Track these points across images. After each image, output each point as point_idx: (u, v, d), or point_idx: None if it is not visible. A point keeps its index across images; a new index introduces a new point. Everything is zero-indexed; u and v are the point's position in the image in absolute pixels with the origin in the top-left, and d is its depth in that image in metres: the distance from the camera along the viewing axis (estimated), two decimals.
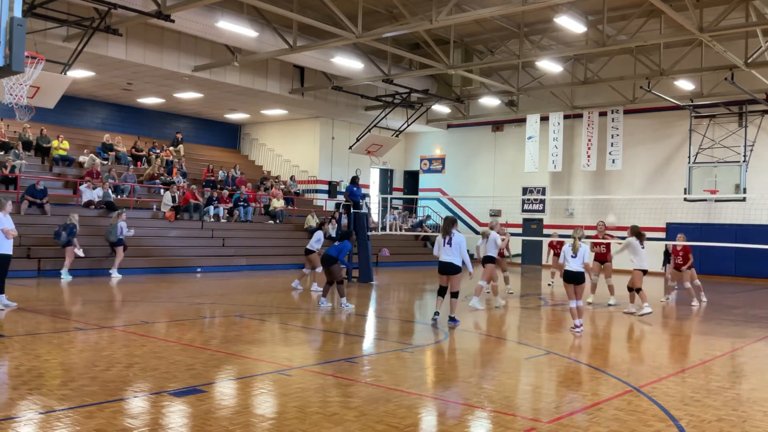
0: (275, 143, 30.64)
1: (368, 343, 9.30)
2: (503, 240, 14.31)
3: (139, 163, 24.43)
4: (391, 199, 30.68)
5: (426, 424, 5.45)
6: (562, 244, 13.53)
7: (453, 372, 7.49)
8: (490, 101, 27.22)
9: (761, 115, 23.24)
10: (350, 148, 25.37)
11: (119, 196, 20.96)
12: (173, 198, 21.32)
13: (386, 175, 32.58)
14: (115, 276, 16.55)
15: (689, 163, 23.28)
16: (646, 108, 25.15)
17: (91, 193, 19.59)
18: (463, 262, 10.47)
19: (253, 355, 7.77)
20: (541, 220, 28.21)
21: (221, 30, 17.95)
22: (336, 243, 12.50)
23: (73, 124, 25.51)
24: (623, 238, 13.91)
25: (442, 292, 10.75)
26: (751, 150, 22.80)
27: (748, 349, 9.33)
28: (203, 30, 17.88)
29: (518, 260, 27.99)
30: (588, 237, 14.13)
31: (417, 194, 31.87)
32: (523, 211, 28.63)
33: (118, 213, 16.86)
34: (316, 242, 14.79)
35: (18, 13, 4.55)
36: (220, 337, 8.86)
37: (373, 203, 28.98)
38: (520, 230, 28.21)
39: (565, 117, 26.57)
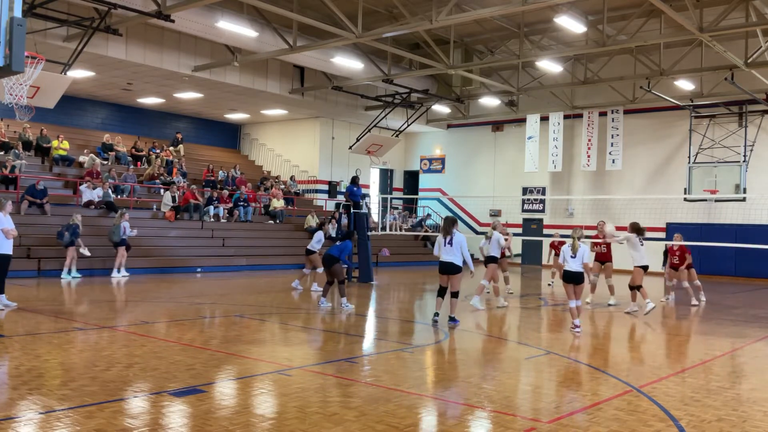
0: (275, 143, 30.64)
1: (368, 343, 9.30)
2: (506, 239, 14.31)
3: (139, 163, 24.43)
4: (391, 199, 30.68)
5: (426, 424, 5.45)
6: (563, 244, 13.56)
7: (453, 372, 7.48)
8: (490, 101, 27.22)
9: (761, 115, 23.24)
10: (350, 148, 25.37)
11: (119, 196, 20.97)
12: (173, 198, 21.32)
13: (386, 175, 32.59)
14: (124, 275, 16.69)
15: (689, 163, 23.28)
16: (646, 108, 25.16)
17: (91, 193, 19.60)
18: (465, 262, 10.49)
19: (253, 355, 7.77)
20: (541, 220, 28.21)
21: (221, 30, 17.95)
22: (337, 243, 12.50)
23: (73, 124, 25.51)
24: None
25: (441, 292, 10.75)
26: (751, 150, 22.80)
27: (748, 349, 9.33)
28: (203, 30, 17.88)
29: (518, 260, 27.98)
30: (588, 237, 14.18)
31: (417, 194, 31.87)
32: (523, 211, 28.63)
33: (121, 213, 16.89)
34: (317, 243, 14.79)
35: (18, 13, 4.55)
36: (220, 337, 8.86)
37: (373, 203, 28.99)
38: (520, 230, 28.21)
39: (565, 117, 26.57)
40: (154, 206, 21.57)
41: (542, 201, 27.81)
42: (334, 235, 22.34)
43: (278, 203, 24.70)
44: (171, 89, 23.79)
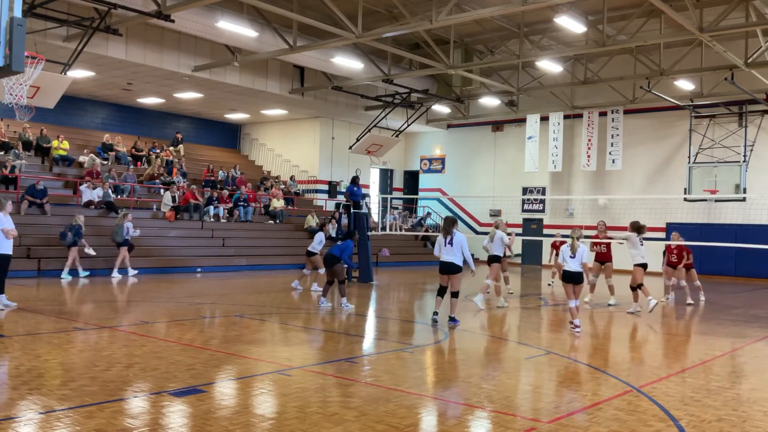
0: (275, 143, 30.64)
1: (368, 343, 9.30)
2: (509, 238, 14.31)
3: (139, 163, 24.43)
4: (391, 199, 30.68)
5: (426, 424, 5.45)
6: (565, 244, 13.58)
7: (453, 372, 7.48)
8: (490, 101, 27.22)
9: (761, 115, 23.24)
10: (350, 148, 25.37)
11: (119, 196, 20.97)
12: (173, 198, 21.32)
13: (386, 175, 32.58)
14: (133, 274, 16.84)
15: (689, 163, 23.28)
16: (646, 108, 25.15)
17: (91, 193, 19.60)
18: (466, 262, 10.50)
19: (253, 355, 7.77)
20: (541, 220, 28.21)
21: (221, 30, 17.95)
22: (338, 242, 12.50)
23: (73, 124, 25.51)
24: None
25: (441, 292, 10.77)
26: (751, 150, 22.81)
27: (748, 349, 9.33)
28: (203, 30, 17.88)
29: (518, 260, 27.98)
30: (588, 237, 14.20)
31: (417, 194, 31.87)
32: (523, 211, 28.63)
33: (124, 214, 16.96)
34: (318, 244, 14.76)
35: (18, 13, 4.55)
36: (220, 337, 8.86)
37: (373, 203, 28.98)
38: (520, 230, 28.20)
39: (565, 117, 26.57)
40: (154, 206, 21.57)
41: (542, 201, 27.81)
42: (334, 235, 22.33)
43: (278, 203, 24.70)
44: (171, 89, 23.79)
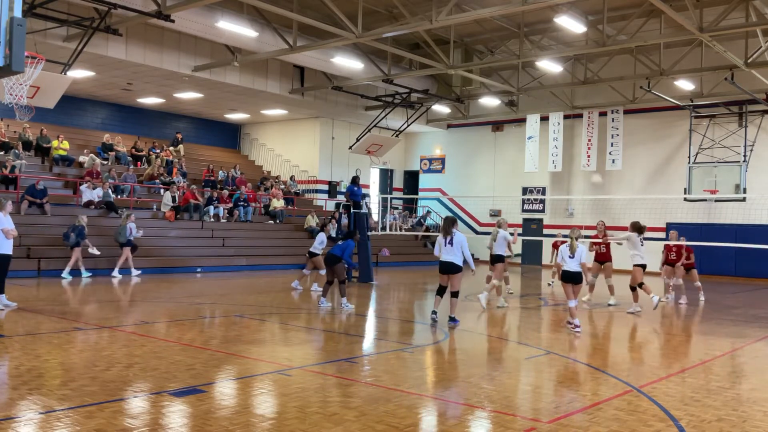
0: (275, 143, 30.64)
1: (368, 343, 9.30)
2: (513, 237, 14.34)
3: (139, 163, 24.43)
4: (391, 199, 30.68)
5: (426, 424, 5.45)
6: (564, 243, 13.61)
7: (453, 372, 7.49)
8: (490, 101, 27.22)
9: (761, 115, 23.24)
10: (350, 148, 25.37)
11: (119, 196, 20.97)
12: (173, 198, 21.32)
13: (386, 175, 32.58)
14: (136, 274, 16.89)
15: (689, 163, 23.28)
16: (646, 108, 25.15)
17: (91, 193, 19.60)
18: (466, 261, 10.50)
19: (253, 355, 7.77)
20: (541, 220, 28.21)
21: (221, 30, 17.95)
22: (339, 242, 12.51)
23: (73, 124, 25.52)
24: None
25: (441, 291, 10.77)
26: (751, 150, 22.80)
27: (748, 349, 9.33)
28: (203, 30, 17.88)
29: (518, 260, 27.98)
30: (587, 237, 14.22)
31: (417, 194, 31.87)
32: (523, 211, 28.63)
33: (127, 215, 17.01)
34: (320, 244, 14.74)
35: (18, 13, 4.55)
36: (220, 337, 8.86)
37: (373, 203, 28.98)
38: (520, 230, 28.18)
39: (565, 117, 26.56)
40: (154, 206, 21.58)
41: (542, 201, 27.81)
42: (334, 235, 22.32)
43: (278, 203, 24.70)
44: (171, 89, 23.79)
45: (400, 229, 27.34)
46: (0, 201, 10.69)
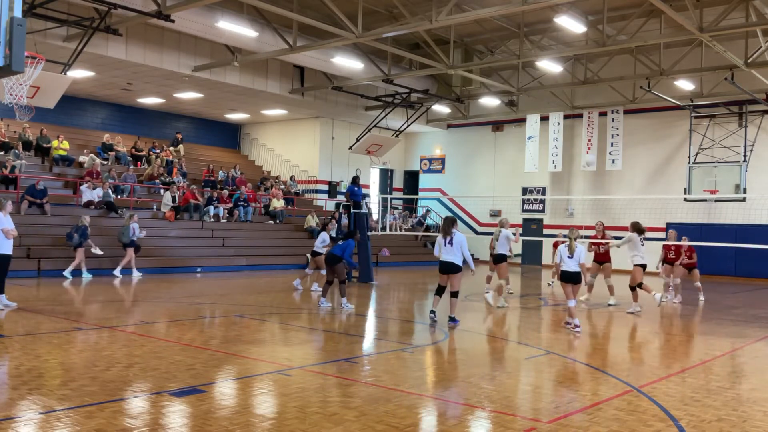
0: (275, 143, 30.64)
1: (368, 343, 9.30)
2: (515, 236, 14.39)
3: (139, 163, 24.43)
4: (391, 199, 30.68)
5: (426, 424, 5.45)
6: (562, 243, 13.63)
7: (453, 372, 7.49)
8: (490, 101, 27.22)
9: (761, 115, 23.23)
10: (350, 148, 25.37)
11: (119, 196, 20.97)
12: (173, 198, 21.32)
13: (386, 175, 32.58)
14: (137, 275, 16.88)
15: (689, 163, 23.27)
16: (646, 108, 25.15)
17: (91, 193, 19.60)
18: (465, 261, 10.51)
19: (253, 355, 7.77)
20: (541, 220, 28.21)
21: (221, 30, 17.95)
22: (339, 242, 12.52)
23: (73, 124, 25.51)
24: (616, 238, 14.02)
25: (440, 291, 10.77)
26: (751, 150, 22.80)
27: (748, 349, 9.33)
28: (203, 30, 17.88)
29: (518, 260, 27.98)
30: (586, 237, 14.24)
31: (417, 194, 31.87)
32: (523, 211, 28.63)
33: (130, 215, 17.05)
34: (321, 243, 14.73)
35: (18, 13, 4.55)
36: (220, 337, 8.86)
37: (373, 203, 28.98)
38: (520, 230, 28.15)
39: (565, 117, 26.56)
40: (154, 206, 21.57)
41: (542, 201, 27.81)
42: (334, 235, 22.30)
43: (278, 203, 24.70)
44: (171, 89, 23.79)
45: (400, 229, 27.33)
46: (0, 201, 10.70)
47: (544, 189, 28.12)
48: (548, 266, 21.93)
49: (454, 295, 10.56)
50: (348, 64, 21.43)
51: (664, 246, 15.20)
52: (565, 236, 10.83)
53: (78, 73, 20.47)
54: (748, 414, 5.88)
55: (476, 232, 29.50)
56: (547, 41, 22.61)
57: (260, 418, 5.29)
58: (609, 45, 18.18)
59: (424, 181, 32.34)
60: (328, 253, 12.38)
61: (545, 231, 27.34)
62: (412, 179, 33.05)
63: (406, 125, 26.90)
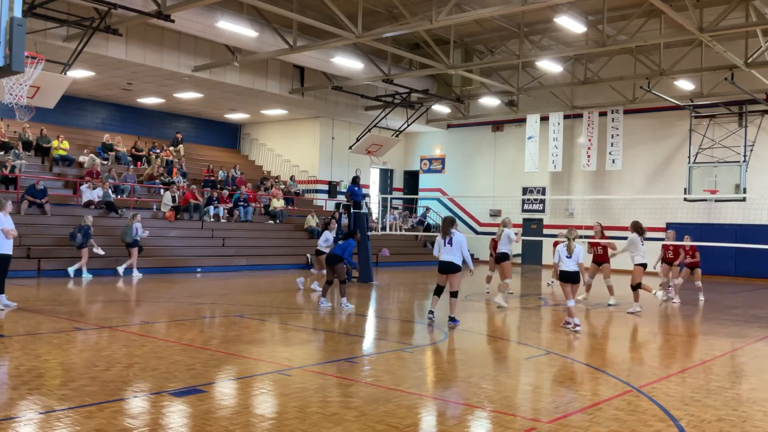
0: (275, 143, 30.64)
1: (368, 343, 9.30)
2: (516, 237, 14.43)
3: (139, 163, 24.43)
4: (391, 199, 30.67)
5: (426, 424, 5.45)
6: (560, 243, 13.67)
7: (453, 372, 7.49)
8: (490, 101, 27.21)
9: (761, 115, 23.23)
10: (350, 148, 25.37)
11: (119, 196, 20.97)
12: (173, 198, 21.32)
13: (386, 175, 32.58)
14: (136, 275, 16.86)
15: (689, 163, 23.27)
16: (646, 108, 25.15)
17: (91, 193, 19.60)
18: (464, 261, 10.51)
19: (253, 355, 7.77)
20: (541, 220, 28.21)
21: (221, 30, 17.95)
22: (339, 242, 12.52)
23: (73, 124, 25.51)
24: (617, 237, 14.04)
25: (438, 291, 10.75)
26: (751, 150, 22.80)
27: (748, 349, 9.33)
28: (203, 30, 17.88)
29: (518, 260, 27.98)
30: (584, 237, 14.26)
31: (417, 194, 31.87)
32: (523, 211, 28.63)
33: (133, 215, 17.09)
34: (325, 242, 14.70)
35: (18, 13, 4.55)
36: (220, 337, 8.86)
37: (373, 203, 28.98)
38: (520, 230, 28.19)
39: (565, 117, 26.56)
40: (154, 206, 21.57)
41: (542, 201, 27.81)
42: (334, 235, 22.29)
43: (278, 203, 24.70)
44: (171, 89, 23.79)
45: (400, 229, 27.33)
46: (0, 201, 10.70)
47: (544, 189, 28.12)
48: (548, 266, 21.93)
49: (454, 295, 10.56)
50: (348, 64, 21.43)
51: (663, 246, 15.23)
52: (564, 236, 10.85)
53: (78, 73, 20.47)
54: (748, 414, 5.88)
55: (476, 232, 29.50)
56: (547, 41, 22.61)
57: (260, 418, 5.29)
58: (609, 45, 18.18)
59: (424, 181, 32.34)
60: (328, 253, 12.38)
61: (545, 231, 27.34)
62: (412, 179, 33.05)
63: (406, 125, 26.90)
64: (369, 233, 18.76)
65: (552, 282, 17.53)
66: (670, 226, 22.79)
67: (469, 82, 25.72)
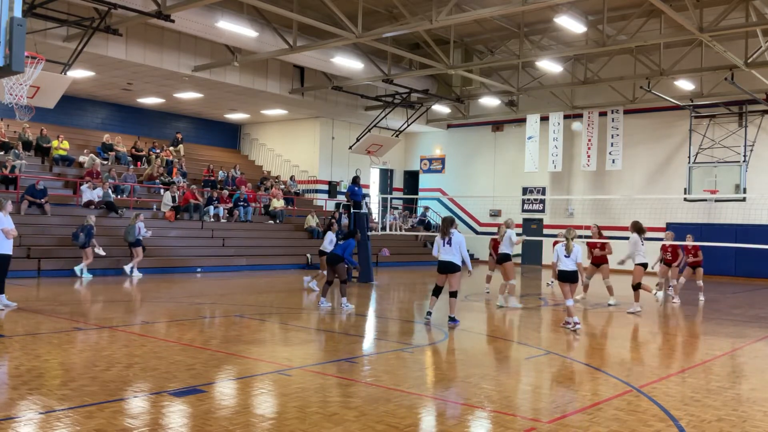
0: (275, 143, 30.64)
1: (368, 343, 9.30)
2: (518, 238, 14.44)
3: (139, 163, 24.43)
4: (391, 199, 30.67)
5: (426, 424, 5.45)
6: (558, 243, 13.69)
7: (453, 372, 7.48)
8: (490, 101, 27.21)
9: (761, 115, 23.23)
10: (350, 148, 25.37)
11: (119, 196, 20.97)
12: (173, 198, 21.32)
13: (386, 175, 32.58)
14: (136, 275, 16.89)
15: (689, 163, 23.27)
16: (646, 108, 25.15)
17: (91, 193, 19.60)
18: (463, 261, 10.51)
19: (253, 355, 7.77)
20: (541, 220, 28.22)
21: (221, 30, 17.95)
22: (340, 242, 12.52)
23: (73, 124, 25.51)
24: (615, 237, 14.06)
25: (436, 292, 10.73)
26: (751, 150, 22.80)
27: (748, 349, 9.33)
28: (203, 30, 17.88)
29: (518, 260, 27.98)
30: (586, 237, 14.27)
31: (417, 194, 31.87)
32: (523, 211, 28.63)
33: (136, 214, 17.14)
34: (329, 243, 14.68)
35: (18, 13, 4.55)
36: (220, 337, 8.86)
37: (373, 203, 28.98)
38: (520, 230, 28.19)
39: (565, 117, 26.56)
40: (154, 206, 21.57)
41: (542, 201, 27.81)
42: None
43: (278, 203, 24.70)
44: (171, 89, 23.79)
45: (400, 229, 27.33)
46: (0, 201, 10.70)
47: (544, 189, 28.12)
48: (548, 266, 21.93)
49: (453, 294, 10.56)
50: (348, 64, 21.43)
51: (662, 247, 15.24)
52: (563, 236, 10.87)
53: (78, 73, 20.47)
54: (748, 414, 5.88)
55: (476, 232, 29.49)
56: (547, 41, 22.61)
57: (260, 418, 5.29)
58: (609, 45, 18.18)
59: (424, 181, 32.34)
60: (329, 253, 12.38)
61: (545, 231, 27.34)
62: (412, 179, 33.05)
63: (406, 125, 26.90)
64: (369, 233, 18.76)
65: (552, 282, 17.53)
66: (670, 226, 22.80)
67: (469, 82, 25.72)
